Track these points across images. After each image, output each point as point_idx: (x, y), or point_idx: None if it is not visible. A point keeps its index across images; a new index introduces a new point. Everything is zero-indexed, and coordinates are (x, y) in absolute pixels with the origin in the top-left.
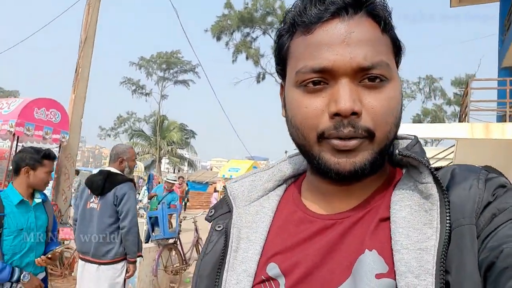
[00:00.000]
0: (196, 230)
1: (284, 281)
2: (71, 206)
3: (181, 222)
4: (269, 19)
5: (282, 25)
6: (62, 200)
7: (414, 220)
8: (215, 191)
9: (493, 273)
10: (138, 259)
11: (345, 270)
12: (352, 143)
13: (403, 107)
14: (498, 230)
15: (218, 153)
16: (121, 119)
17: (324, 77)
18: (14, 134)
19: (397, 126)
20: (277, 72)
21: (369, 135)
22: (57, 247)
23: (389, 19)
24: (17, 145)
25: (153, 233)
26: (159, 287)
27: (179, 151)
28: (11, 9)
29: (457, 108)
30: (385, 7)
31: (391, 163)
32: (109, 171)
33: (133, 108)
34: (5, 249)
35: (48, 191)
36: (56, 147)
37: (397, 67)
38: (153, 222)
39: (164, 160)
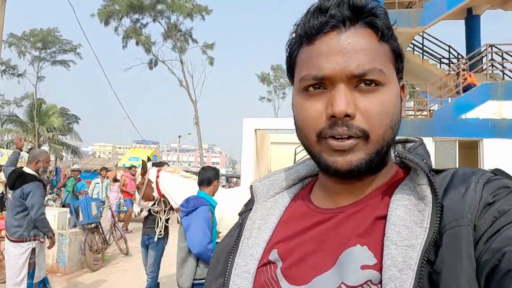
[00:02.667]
0: (112, 215)
1: (281, 264)
2: None
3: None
4: (159, 7)
5: (293, 36)
6: None
7: (407, 219)
8: (115, 180)
9: (497, 276)
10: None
11: (333, 258)
12: (348, 143)
13: (402, 110)
14: (500, 233)
15: (100, 137)
16: None
17: (323, 83)
18: None
19: (392, 128)
20: (288, 78)
21: (364, 135)
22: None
23: (387, 29)
24: None
25: (78, 220)
26: (86, 264)
27: (61, 138)
28: None
29: None
30: (383, 18)
31: (402, 165)
32: (22, 171)
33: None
34: (213, 240)
35: None
36: None
37: (398, 73)
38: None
39: (45, 148)
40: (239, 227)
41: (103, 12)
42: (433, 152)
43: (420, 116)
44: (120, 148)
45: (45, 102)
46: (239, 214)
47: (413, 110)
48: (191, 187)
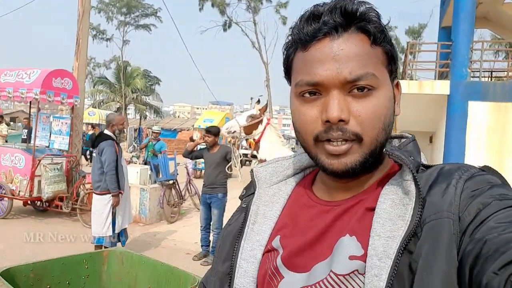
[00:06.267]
0: (188, 173)
1: (281, 252)
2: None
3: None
4: None
5: (289, 38)
6: (75, 152)
7: (392, 213)
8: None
9: (479, 262)
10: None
11: (329, 249)
12: (343, 148)
13: (396, 109)
14: (483, 224)
15: (180, 98)
16: None
17: (318, 89)
18: (39, 101)
19: (385, 129)
20: (286, 79)
21: (357, 138)
22: None
23: (380, 33)
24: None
25: (157, 176)
26: (164, 216)
27: (144, 98)
28: None
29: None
30: (375, 22)
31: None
32: (102, 132)
33: (91, 53)
34: None
35: (65, 145)
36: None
37: (392, 74)
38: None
39: (131, 108)
40: (244, 212)
41: None
42: None
43: None
44: (198, 108)
45: (130, 64)
46: (240, 198)
47: (507, 71)
48: (279, 147)
